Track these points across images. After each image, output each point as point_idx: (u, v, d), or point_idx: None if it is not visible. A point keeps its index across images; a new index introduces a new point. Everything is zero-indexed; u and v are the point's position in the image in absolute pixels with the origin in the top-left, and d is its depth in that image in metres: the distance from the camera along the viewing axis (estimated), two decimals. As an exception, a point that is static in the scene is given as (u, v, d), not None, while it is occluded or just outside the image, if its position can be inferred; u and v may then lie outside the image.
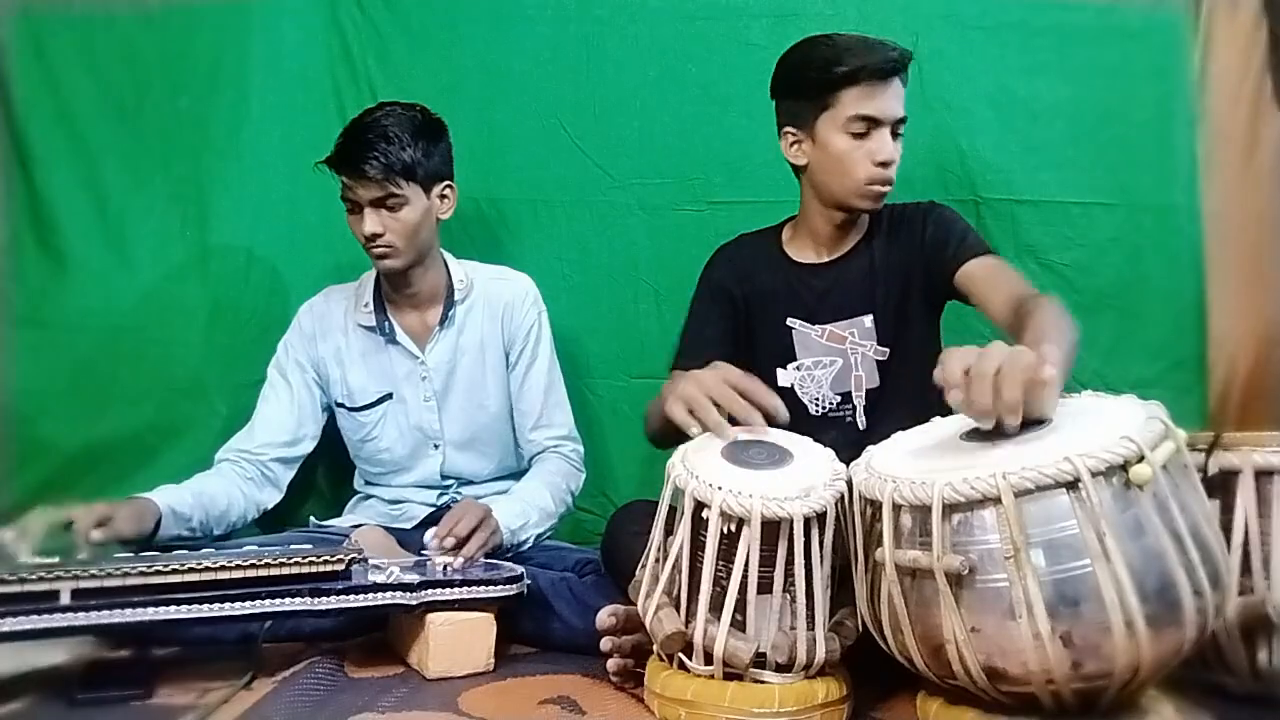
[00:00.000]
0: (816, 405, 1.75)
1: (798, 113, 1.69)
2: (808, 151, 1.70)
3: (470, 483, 1.97)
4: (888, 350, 1.73)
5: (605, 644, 1.42)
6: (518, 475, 1.96)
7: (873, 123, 1.62)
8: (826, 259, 1.78)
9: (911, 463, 1.21)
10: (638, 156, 2.17)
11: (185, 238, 2.09)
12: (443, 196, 1.86)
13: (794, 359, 1.76)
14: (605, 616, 1.43)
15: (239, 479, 1.85)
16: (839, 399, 1.75)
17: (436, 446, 1.93)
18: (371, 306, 1.90)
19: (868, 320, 1.74)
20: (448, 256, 1.95)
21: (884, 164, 1.63)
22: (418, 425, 1.92)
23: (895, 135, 1.65)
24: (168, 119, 2.10)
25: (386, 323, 1.90)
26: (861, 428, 1.73)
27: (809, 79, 1.66)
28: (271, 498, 1.91)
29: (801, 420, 1.65)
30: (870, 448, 1.30)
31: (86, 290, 2.05)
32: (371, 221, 1.77)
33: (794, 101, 1.70)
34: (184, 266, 2.09)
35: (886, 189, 1.66)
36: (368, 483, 2.00)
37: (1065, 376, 1.26)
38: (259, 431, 1.89)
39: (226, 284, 2.10)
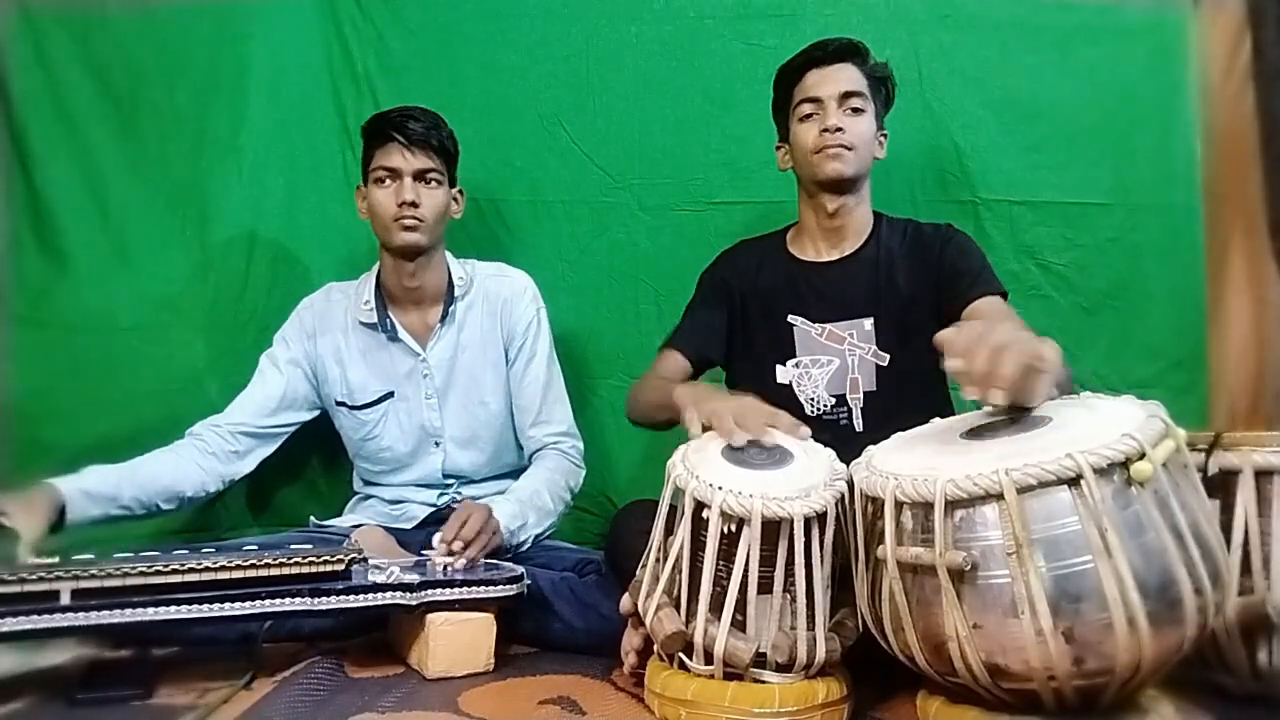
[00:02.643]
0: (812, 406, 1.75)
1: (779, 125, 1.84)
2: (788, 154, 1.81)
3: (471, 480, 1.97)
4: (888, 356, 1.74)
5: (636, 641, 1.41)
6: (518, 473, 1.95)
7: (816, 102, 1.74)
8: (828, 258, 1.79)
9: (913, 460, 1.21)
10: (638, 156, 2.17)
11: (185, 238, 2.09)
12: (455, 199, 1.91)
13: (793, 355, 1.77)
14: (629, 601, 1.39)
15: (196, 453, 1.83)
16: (834, 401, 1.75)
17: (438, 444, 1.93)
18: (373, 304, 1.90)
19: (868, 323, 1.75)
20: (448, 255, 1.95)
21: (830, 130, 1.72)
22: (419, 423, 1.92)
23: (853, 110, 1.73)
24: (167, 118, 2.10)
25: (388, 320, 1.90)
26: (858, 431, 1.73)
27: (777, 93, 1.82)
28: (239, 469, 1.88)
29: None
30: (871, 446, 1.30)
31: (86, 290, 2.05)
32: (411, 189, 1.81)
33: (776, 117, 1.85)
34: (184, 266, 2.09)
35: (841, 150, 1.72)
36: (367, 482, 2.00)
37: (1057, 392, 1.27)
38: (234, 409, 1.89)
39: (226, 284, 2.10)
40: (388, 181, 1.82)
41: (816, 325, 1.76)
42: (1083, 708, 1.11)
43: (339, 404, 1.94)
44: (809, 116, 1.74)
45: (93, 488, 1.68)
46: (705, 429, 1.39)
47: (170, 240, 2.09)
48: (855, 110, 1.73)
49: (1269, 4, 1.97)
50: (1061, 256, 2.09)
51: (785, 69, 1.80)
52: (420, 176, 1.82)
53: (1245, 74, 2.04)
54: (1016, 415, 1.20)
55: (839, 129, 1.71)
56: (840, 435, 1.69)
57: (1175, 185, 2.08)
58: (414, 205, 1.81)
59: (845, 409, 1.75)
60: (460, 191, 1.93)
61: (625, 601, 1.40)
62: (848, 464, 1.30)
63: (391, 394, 1.92)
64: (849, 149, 1.71)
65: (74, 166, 2.06)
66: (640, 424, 1.80)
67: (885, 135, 1.81)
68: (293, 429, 1.95)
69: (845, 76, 1.74)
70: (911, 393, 1.71)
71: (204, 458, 1.84)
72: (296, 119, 2.15)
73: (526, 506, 1.78)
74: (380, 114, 1.87)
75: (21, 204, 2.06)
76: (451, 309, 1.92)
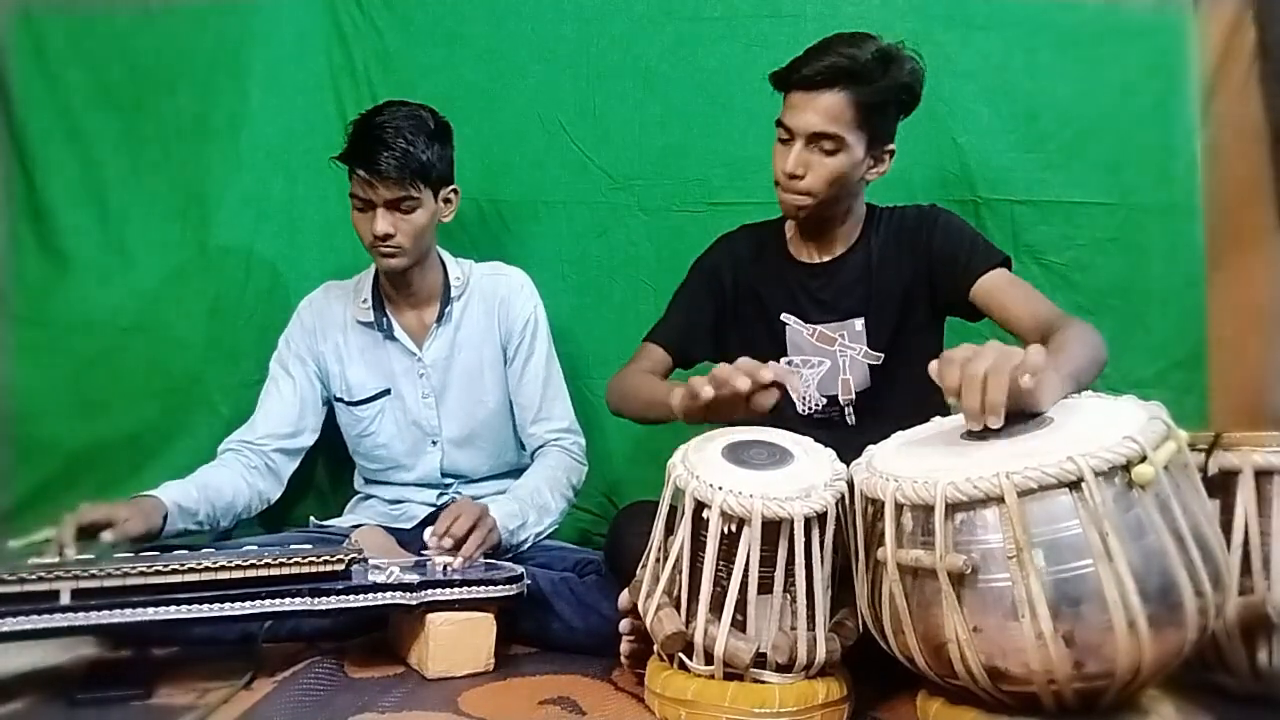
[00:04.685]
0: (804, 405, 1.74)
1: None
2: None
3: (470, 480, 1.97)
4: (881, 355, 1.71)
5: (624, 625, 1.42)
6: (519, 472, 1.95)
7: (787, 131, 1.61)
8: (821, 259, 1.76)
9: (913, 462, 1.21)
10: (638, 156, 2.17)
11: (185, 238, 2.09)
12: (447, 200, 1.87)
13: (785, 355, 1.74)
14: (627, 597, 1.41)
15: (243, 468, 1.84)
16: (825, 401, 1.73)
17: (435, 443, 1.93)
18: (370, 303, 1.91)
19: (859, 323, 1.72)
20: (445, 255, 1.95)
21: (788, 174, 1.60)
22: (415, 422, 1.92)
23: (825, 152, 1.58)
24: (167, 119, 2.09)
25: (384, 319, 1.90)
26: (849, 431, 1.71)
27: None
28: (274, 489, 1.90)
29: (790, 420, 1.63)
30: (871, 447, 1.30)
31: (86, 290, 2.05)
32: (383, 222, 1.76)
33: None
34: (184, 266, 2.08)
35: (795, 198, 1.62)
36: (368, 480, 2.00)
37: (1076, 384, 1.28)
38: (260, 424, 1.89)
39: (226, 284, 2.10)
40: (362, 208, 1.79)
41: (808, 326, 1.74)
42: (1083, 710, 1.11)
43: (337, 399, 1.94)
44: (783, 141, 1.62)
45: (183, 503, 1.69)
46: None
47: (170, 240, 2.08)
48: (828, 151, 1.59)
49: (1277, 4, 1.97)
50: (1062, 256, 2.08)
51: (775, 76, 1.64)
52: (392, 206, 1.77)
53: (1245, 74, 2.05)
54: (1019, 416, 1.20)
55: (796, 176, 1.60)
56: (833, 435, 1.67)
57: (1175, 185, 2.08)
58: (388, 237, 1.77)
59: (836, 409, 1.73)
60: (454, 191, 1.88)
61: (624, 597, 1.41)
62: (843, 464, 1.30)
63: (388, 391, 1.92)
64: (807, 194, 1.61)
65: (74, 166, 2.06)
66: (623, 415, 1.75)
67: (891, 153, 1.68)
68: (314, 436, 1.95)
69: (824, 109, 1.57)
70: (905, 391, 1.68)
71: (249, 473, 1.85)
72: (296, 119, 2.15)
73: (526, 505, 1.78)
74: (355, 130, 1.79)
75: (21, 204, 2.06)
76: (448, 309, 1.91)
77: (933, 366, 1.23)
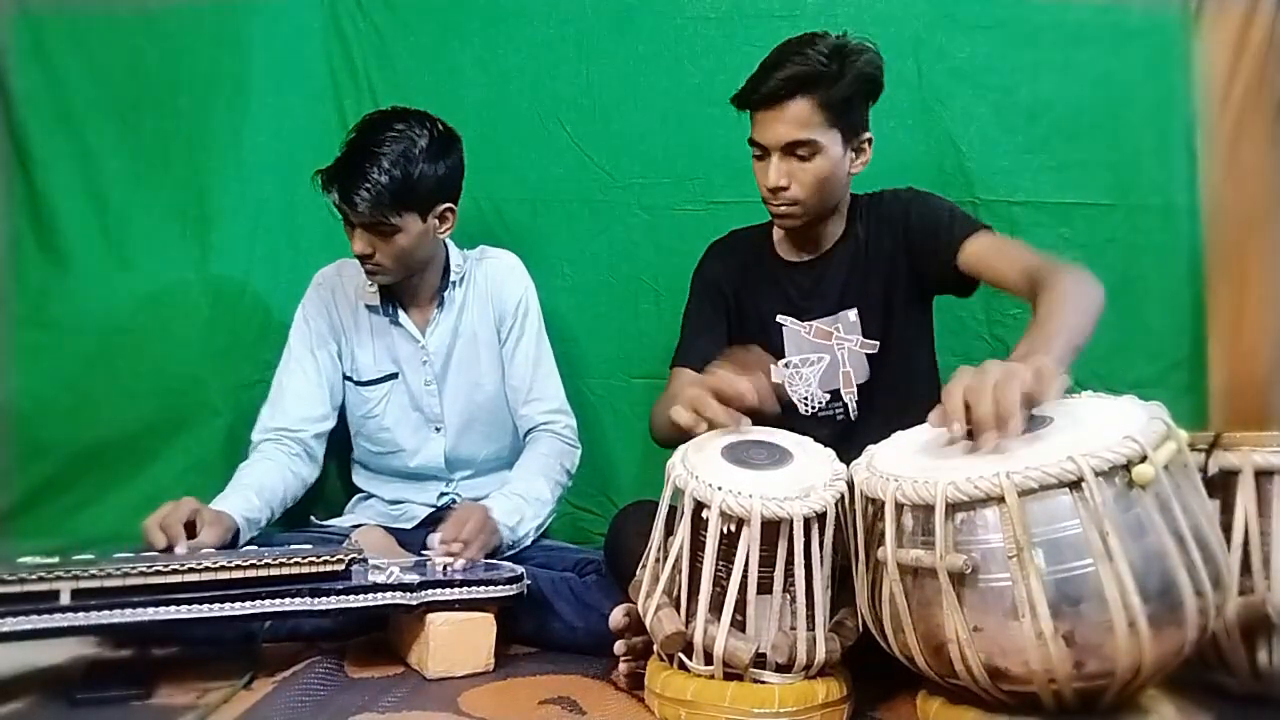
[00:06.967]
0: (806, 405, 1.75)
1: None
2: None
3: (472, 474, 1.97)
4: (876, 343, 1.72)
5: (619, 647, 1.42)
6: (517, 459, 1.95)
7: (761, 148, 1.63)
8: (809, 256, 1.77)
9: (914, 461, 1.21)
10: (638, 156, 2.17)
11: (185, 238, 2.09)
12: (441, 218, 1.83)
13: (783, 356, 1.75)
14: (619, 616, 1.42)
15: (286, 457, 1.83)
16: (828, 397, 1.74)
17: (438, 430, 1.94)
18: (377, 287, 1.90)
19: (852, 314, 1.73)
20: (449, 245, 1.94)
21: (772, 189, 1.62)
22: (419, 407, 1.93)
23: (802, 158, 1.60)
24: (167, 119, 2.09)
25: (390, 304, 1.91)
26: (854, 423, 1.73)
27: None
28: (314, 473, 1.89)
29: (792, 420, 1.64)
30: (871, 446, 1.30)
31: (87, 291, 2.05)
32: (361, 243, 1.76)
33: None
34: (184, 267, 2.08)
35: (783, 208, 1.65)
36: (366, 468, 2.00)
37: (1077, 350, 1.29)
38: (293, 408, 1.87)
39: (226, 285, 2.10)
40: (347, 222, 1.77)
41: (804, 324, 1.75)
42: (1083, 710, 1.10)
43: (345, 377, 1.94)
44: (759, 158, 1.65)
45: (249, 515, 1.68)
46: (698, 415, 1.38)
47: (170, 241, 2.08)
48: (805, 157, 1.60)
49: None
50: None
51: (736, 99, 1.65)
52: (370, 229, 1.74)
53: (1254, 72, 2.04)
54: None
55: (781, 188, 1.62)
56: (837, 430, 1.70)
57: (1175, 185, 2.08)
58: (368, 256, 1.77)
59: (840, 404, 1.74)
60: (450, 209, 1.84)
61: (615, 616, 1.42)
62: (848, 457, 1.31)
63: (395, 375, 1.93)
64: (795, 203, 1.63)
65: (74, 166, 2.06)
66: (668, 444, 1.74)
67: (869, 140, 1.68)
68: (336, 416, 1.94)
69: (791, 119, 1.59)
70: (903, 377, 1.71)
71: (293, 461, 1.84)
72: (296, 119, 2.15)
73: (523, 500, 1.79)
74: (342, 149, 1.75)
75: (21, 204, 2.06)
76: (446, 294, 1.92)
77: (934, 416, 1.21)
